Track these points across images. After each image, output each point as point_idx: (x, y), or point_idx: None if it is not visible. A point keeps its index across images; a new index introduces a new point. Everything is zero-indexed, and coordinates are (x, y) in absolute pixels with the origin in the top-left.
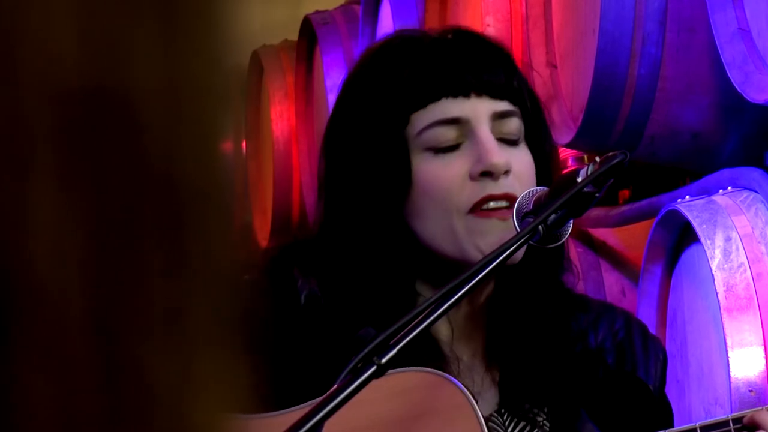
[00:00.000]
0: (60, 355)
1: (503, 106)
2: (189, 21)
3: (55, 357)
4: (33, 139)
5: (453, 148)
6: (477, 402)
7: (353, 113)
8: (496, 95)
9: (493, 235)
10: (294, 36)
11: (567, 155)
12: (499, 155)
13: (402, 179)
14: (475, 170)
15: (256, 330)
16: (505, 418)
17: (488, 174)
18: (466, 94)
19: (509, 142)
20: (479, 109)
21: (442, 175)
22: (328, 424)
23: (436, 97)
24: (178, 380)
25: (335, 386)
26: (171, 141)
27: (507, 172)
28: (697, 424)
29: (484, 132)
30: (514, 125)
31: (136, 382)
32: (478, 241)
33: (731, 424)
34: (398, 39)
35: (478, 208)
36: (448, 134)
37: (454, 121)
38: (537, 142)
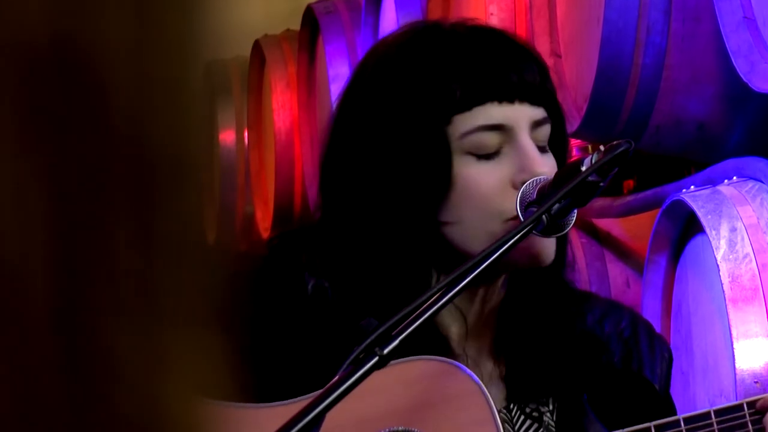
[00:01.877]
0: (18, 333)
1: (540, 113)
2: None
3: (11, 335)
4: None
5: (494, 154)
6: None
7: (388, 107)
8: (535, 101)
9: (529, 245)
10: (296, 25)
11: (571, 145)
12: (542, 164)
13: (442, 181)
14: (518, 179)
15: (238, 307)
16: (513, 413)
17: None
18: (511, 100)
19: (541, 149)
20: (521, 116)
21: (484, 182)
22: (339, 412)
23: (481, 101)
24: (148, 362)
25: (337, 377)
26: (140, 102)
27: None
28: (711, 409)
29: (526, 140)
30: (546, 132)
31: (102, 364)
32: (513, 254)
33: (745, 407)
34: (428, 30)
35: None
36: (492, 140)
37: (498, 128)
38: (559, 143)
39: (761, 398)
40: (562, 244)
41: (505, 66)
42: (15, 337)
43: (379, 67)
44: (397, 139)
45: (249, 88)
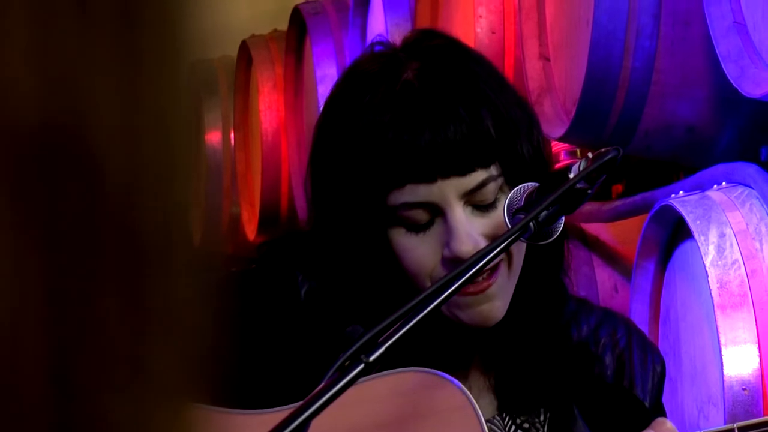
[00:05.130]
0: (11, 408)
1: (474, 180)
2: (151, 62)
3: (4, 409)
4: None
5: (427, 225)
6: None
7: (332, 165)
8: (464, 170)
9: (472, 308)
10: (283, 26)
11: (559, 149)
12: (467, 242)
13: (380, 247)
14: (445, 255)
15: (222, 375)
16: (506, 422)
17: (459, 261)
18: (432, 179)
19: (485, 207)
20: (448, 191)
21: (415, 253)
22: (328, 421)
23: (400, 183)
24: (139, 429)
25: (322, 384)
26: (130, 184)
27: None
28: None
29: (454, 214)
30: (488, 192)
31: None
32: (456, 312)
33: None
34: (371, 80)
35: None
36: (421, 215)
37: (424, 205)
38: (521, 173)
39: (752, 423)
40: (558, 250)
41: (421, 143)
42: (8, 411)
43: (328, 120)
44: (340, 200)
45: (236, 88)
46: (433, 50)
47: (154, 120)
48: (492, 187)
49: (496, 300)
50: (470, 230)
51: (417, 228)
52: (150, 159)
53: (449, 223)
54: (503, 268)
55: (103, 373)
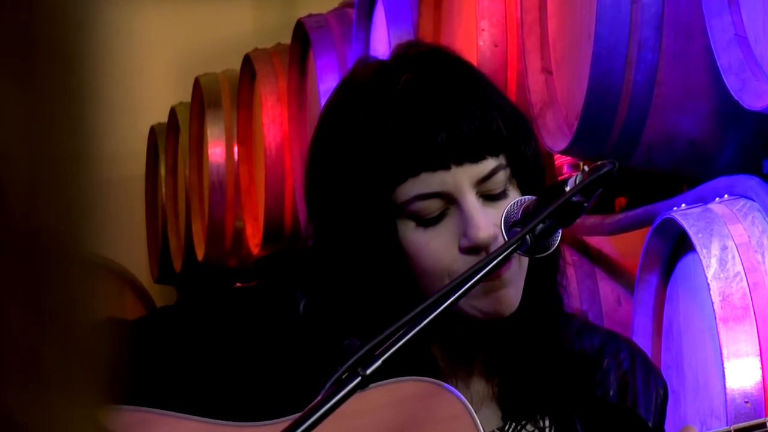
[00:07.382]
0: None
1: (485, 168)
2: (52, 84)
3: None
4: None
5: (439, 217)
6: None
7: (335, 170)
8: (476, 158)
9: (489, 295)
10: (287, 39)
11: (562, 162)
12: (485, 228)
13: (389, 246)
14: (463, 245)
15: (121, 373)
16: (511, 431)
17: (477, 249)
18: (446, 166)
19: (495, 196)
20: (461, 179)
21: (429, 248)
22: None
23: (415, 172)
24: (42, 423)
25: (319, 397)
26: (33, 201)
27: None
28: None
29: (469, 202)
30: (498, 181)
31: (4, 427)
32: (474, 303)
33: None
34: (368, 86)
35: None
36: (433, 206)
37: (437, 195)
38: (525, 172)
39: (748, 425)
40: (554, 263)
41: (435, 131)
42: None
43: (326, 130)
44: (345, 203)
45: (239, 102)
46: (425, 55)
47: (56, 145)
48: (502, 176)
49: (511, 287)
50: (485, 218)
51: (427, 222)
52: (50, 180)
53: (465, 211)
54: (515, 257)
55: (8, 373)
